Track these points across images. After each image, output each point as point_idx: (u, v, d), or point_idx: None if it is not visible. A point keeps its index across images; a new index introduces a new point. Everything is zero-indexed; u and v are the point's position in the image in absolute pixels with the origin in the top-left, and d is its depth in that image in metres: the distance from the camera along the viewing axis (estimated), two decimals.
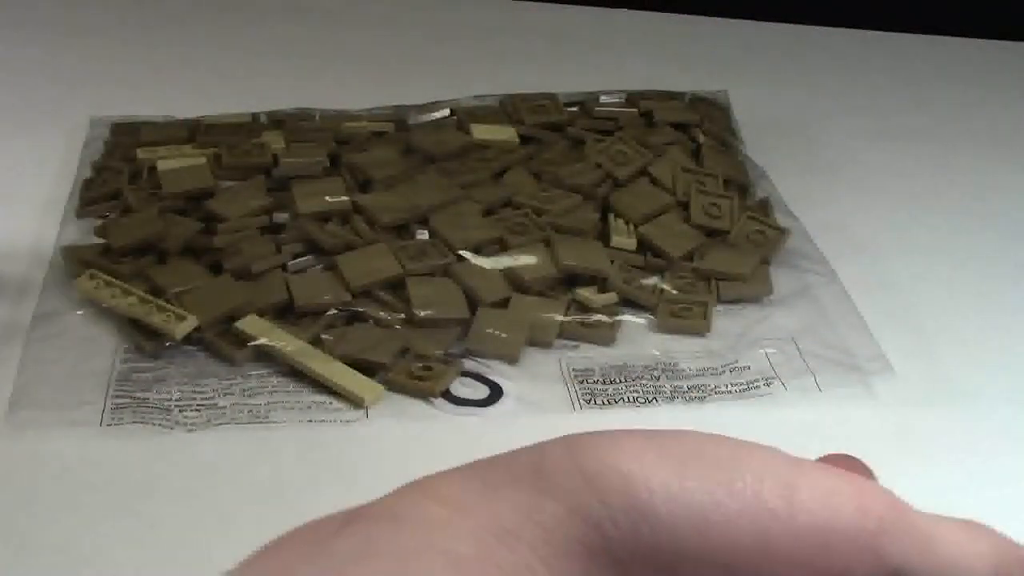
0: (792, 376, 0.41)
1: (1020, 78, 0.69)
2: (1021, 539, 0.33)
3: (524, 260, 0.45)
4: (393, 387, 0.40)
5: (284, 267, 0.45)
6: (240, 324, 0.42)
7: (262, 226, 0.47)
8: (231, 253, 0.45)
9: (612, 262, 0.46)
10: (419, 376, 0.40)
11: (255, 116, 0.56)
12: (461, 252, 0.46)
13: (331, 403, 0.39)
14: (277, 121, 0.56)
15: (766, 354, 0.42)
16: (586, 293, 0.45)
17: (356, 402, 0.39)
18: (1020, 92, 0.67)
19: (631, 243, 0.48)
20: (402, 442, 0.38)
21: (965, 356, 0.44)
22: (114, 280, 0.43)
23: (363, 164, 0.51)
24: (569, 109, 0.58)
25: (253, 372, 0.41)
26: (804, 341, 0.43)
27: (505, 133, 0.55)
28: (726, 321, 0.44)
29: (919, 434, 0.39)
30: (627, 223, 0.48)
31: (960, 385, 0.42)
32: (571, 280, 0.45)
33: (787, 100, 0.64)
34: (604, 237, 0.48)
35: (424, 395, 0.40)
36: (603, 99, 0.59)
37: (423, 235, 0.47)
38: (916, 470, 0.37)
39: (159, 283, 0.44)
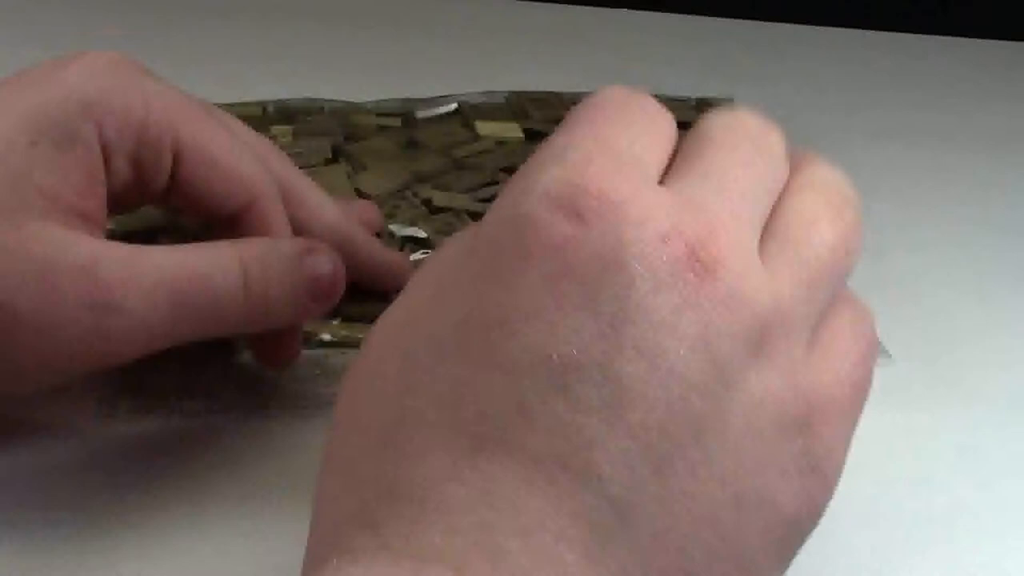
0: None
1: (1020, 78, 0.69)
2: (1022, 544, 0.33)
3: None
4: None
5: None
6: None
7: None
8: None
9: None
10: None
11: (264, 108, 0.57)
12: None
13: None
14: (287, 116, 0.57)
15: None
16: None
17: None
18: (1020, 92, 0.67)
19: None
20: None
21: (966, 354, 0.43)
22: None
23: (361, 154, 0.52)
24: None
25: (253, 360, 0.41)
26: None
27: (510, 129, 0.56)
28: None
29: (917, 430, 0.39)
30: None
31: (960, 382, 0.42)
32: None
33: (788, 99, 0.64)
34: None
35: None
36: None
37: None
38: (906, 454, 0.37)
39: None
